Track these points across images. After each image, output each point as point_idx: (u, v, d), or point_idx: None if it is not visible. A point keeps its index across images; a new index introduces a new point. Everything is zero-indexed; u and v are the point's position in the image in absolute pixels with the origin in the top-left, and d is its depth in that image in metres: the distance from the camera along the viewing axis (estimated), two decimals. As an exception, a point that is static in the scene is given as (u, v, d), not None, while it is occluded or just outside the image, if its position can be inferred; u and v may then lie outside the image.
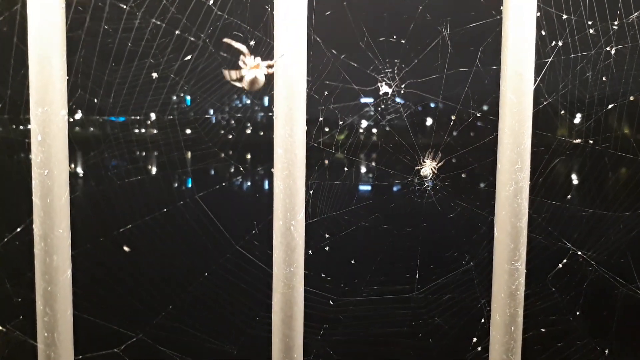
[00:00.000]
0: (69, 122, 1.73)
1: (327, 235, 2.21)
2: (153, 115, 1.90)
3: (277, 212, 1.80)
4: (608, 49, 2.01)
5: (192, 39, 1.63)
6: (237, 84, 1.63)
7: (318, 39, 1.80)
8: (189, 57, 1.60)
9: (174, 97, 1.80)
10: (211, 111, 2.11)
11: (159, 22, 1.60)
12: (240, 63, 1.62)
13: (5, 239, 1.66)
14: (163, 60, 1.57)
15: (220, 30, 1.64)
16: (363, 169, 2.36)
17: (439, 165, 2.25)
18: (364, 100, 2.20)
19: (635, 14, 1.97)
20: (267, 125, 1.63)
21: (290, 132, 1.78)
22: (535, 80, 1.84)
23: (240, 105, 2.26)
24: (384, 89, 2.10)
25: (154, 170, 2.05)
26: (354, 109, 2.17)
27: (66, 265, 1.74)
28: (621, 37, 1.98)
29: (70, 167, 1.70)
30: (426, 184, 2.27)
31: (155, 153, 2.05)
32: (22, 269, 1.66)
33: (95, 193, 1.74)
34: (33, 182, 1.70)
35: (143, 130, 2.02)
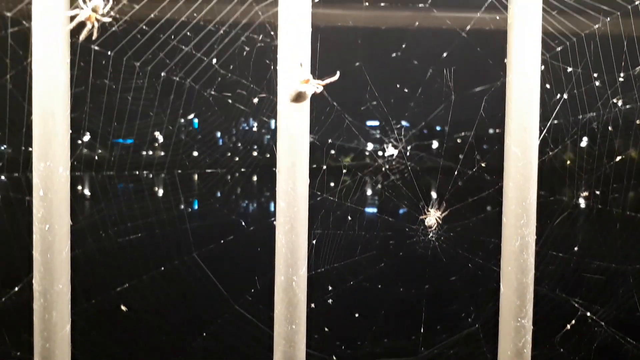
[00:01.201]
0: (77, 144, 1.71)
1: (330, 288, 2.18)
2: (161, 138, 1.89)
3: (279, 267, 1.77)
4: (615, 100, 1.99)
5: (201, 91, 1.63)
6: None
7: (327, 96, 1.80)
8: (191, 116, 1.60)
9: (182, 120, 1.79)
10: (218, 134, 2.11)
11: (161, 79, 1.60)
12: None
13: (3, 299, 1.65)
14: (166, 119, 1.57)
15: (224, 88, 1.64)
16: (367, 216, 2.34)
17: (443, 214, 2.22)
18: (369, 123, 2.19)
19: (642, 65, 1.96)
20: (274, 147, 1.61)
21: (293, 186, 1.77)
22: (540, 134, 1.82)
23: (247, 127, 2.25)
24: (390, 150, 2.10)
25: (160, 192, 2.03)
26: (359, 158, 2.17)
27: (65, 321, 1.72)
28: (628, 88, 1.97)
29: (77, 189, 1.68)
30: (431, 235, 2.24)
31: (162, 175, 2.04)
32: (21, 327, 1.64)
33: (93, 251, 1.73)
34: (34, 237, 1.69)
35: (150, 152, 2.01)
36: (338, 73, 1.66)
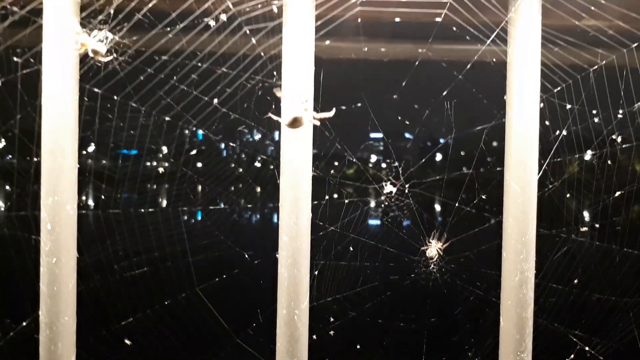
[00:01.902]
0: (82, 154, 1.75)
1: (332, 319, 2.19)
2: (165, 149, 1.91)
3: (281, 301, 1.80)
4: (613, 137, 2.02)
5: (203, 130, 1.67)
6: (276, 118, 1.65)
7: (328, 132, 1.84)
8: (194, 152, 1.64)
9: (186, 131, 1.82)
10: (222, 145, 2.13)
11: (167, 118, 1.64)
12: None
13: (12, 333, 1.68)
14: (171, 156, 1.61)
15: (226, 126, 1.67)
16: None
17: (444, 246, 2.24)
18: (373, 135, 2.22)
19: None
20: (277, 158, 1.64)
21: (296, 221, 1.80)
22: (540, 169, 1.85)
23: (250, 139, 2.28)
24: (389, 187, 2.13)
25: (164, 203, 2.06)
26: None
27: (70, 352, 1.74)
28: (626, 125, 1.99)
29: (81, 200, 1.71)
30: (432, 266, 2.26)
31: (166, 186, 2.06)
32: (26, 358, 1.67)
33: (96, 287, 1.76)
34: (41, 269, 1.72)
35: (154, 164, 2.03)
36: (334, 110, 1.70)
